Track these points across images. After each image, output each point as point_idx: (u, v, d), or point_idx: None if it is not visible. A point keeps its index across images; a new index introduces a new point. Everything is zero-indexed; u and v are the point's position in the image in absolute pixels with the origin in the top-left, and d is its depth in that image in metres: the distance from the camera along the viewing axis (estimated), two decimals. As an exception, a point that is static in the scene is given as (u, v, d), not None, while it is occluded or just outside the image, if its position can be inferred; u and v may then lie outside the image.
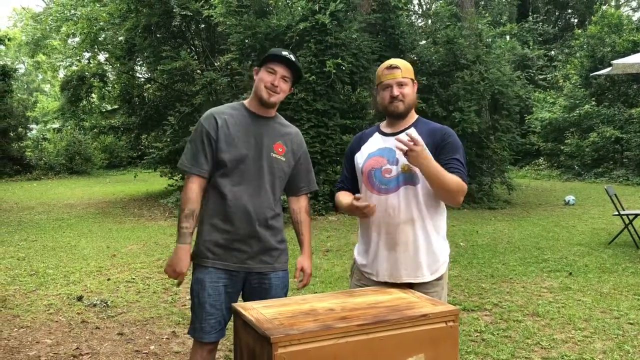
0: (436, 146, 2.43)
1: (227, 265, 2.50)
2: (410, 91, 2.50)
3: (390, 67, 2.49)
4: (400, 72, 2.47)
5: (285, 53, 2.52)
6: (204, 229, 2.54)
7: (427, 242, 2.44)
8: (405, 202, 2.41)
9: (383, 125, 2.63)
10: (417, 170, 2.37)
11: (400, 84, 2.48)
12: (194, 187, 2.50)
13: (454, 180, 2.35)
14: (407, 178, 2.41)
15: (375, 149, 2.54)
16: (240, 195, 2.48)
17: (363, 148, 2.60)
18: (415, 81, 2.54)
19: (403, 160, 2.40)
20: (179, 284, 2.59)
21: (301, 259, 2.69)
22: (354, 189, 2.63)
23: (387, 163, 2.46)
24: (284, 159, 2.59)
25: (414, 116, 2.56)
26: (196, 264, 2.56)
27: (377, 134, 2.60)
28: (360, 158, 2.58)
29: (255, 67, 2.59)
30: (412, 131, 2.45)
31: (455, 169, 2.39)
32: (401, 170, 2.41)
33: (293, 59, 2.53)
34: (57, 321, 4.63)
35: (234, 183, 2.49)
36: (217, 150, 2.49)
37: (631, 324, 4.36)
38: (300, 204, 2.73)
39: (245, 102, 2.64)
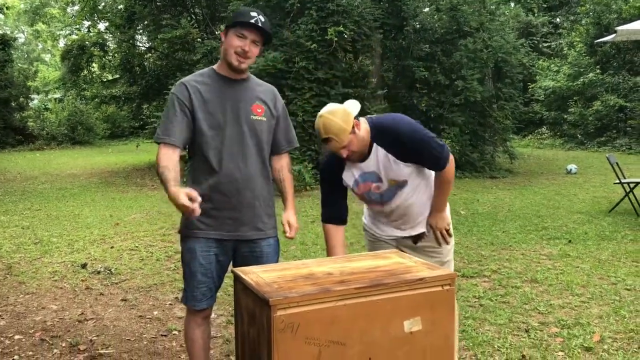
0: (399, 148, 2.44)
1: (219, 235, 2.48)
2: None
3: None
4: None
5: (254, 15, 2.39)
6: None
7: (423, 206, 2.64)
8: (402, 200, 2.58)
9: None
10: (401, 178, 2.51)
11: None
12: (165, 151, 2.37)
13: (449, 187, 2.55)
14: (397, 187, 2.52)
15: (357, 176, 2.54)
16: (226, 163, 2.43)
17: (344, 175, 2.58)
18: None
19: (387, 176, 2.49)
20: (194, 211, 2.22)
21: (286, 214, 2.64)
22: (342, 213, 2.66)
23: (373, 183, 2.54)
24: (264, 119, 2.51)
25: None
26: (186, 236, 2.51)
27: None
28: (348, 180, 2.57)
29: (223, 30, 2.46)
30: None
31: (433, 162, 2.47)
32: (389, 185, 2.52)
33: (263, 20, 2.40)
34: (61, 288, 4.71)
35: (217, 151, 2.42)
36: (195, 119, 2.42)
37: (628, 289, 4.41)
38: (282, 162, 2.68)
39: (215, 67, 2.53)
